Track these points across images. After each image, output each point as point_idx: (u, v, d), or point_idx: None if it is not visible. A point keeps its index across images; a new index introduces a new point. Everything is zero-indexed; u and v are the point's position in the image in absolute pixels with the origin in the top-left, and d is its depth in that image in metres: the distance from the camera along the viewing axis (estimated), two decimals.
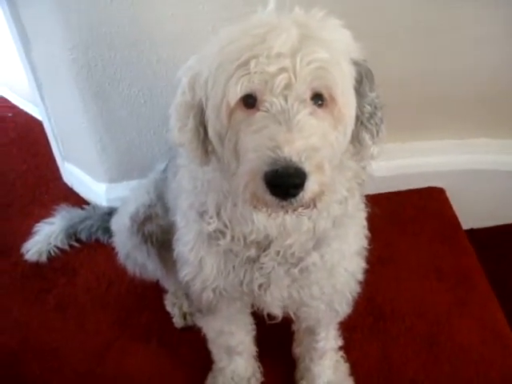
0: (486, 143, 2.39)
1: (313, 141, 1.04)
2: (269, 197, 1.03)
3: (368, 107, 1.20)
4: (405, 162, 2.36)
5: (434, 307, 2.06)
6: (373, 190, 1.46)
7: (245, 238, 1.31)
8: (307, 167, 1.01)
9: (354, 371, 1.87)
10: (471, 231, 2.45)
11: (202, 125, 1.19)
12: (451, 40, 2.07)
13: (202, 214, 1.34)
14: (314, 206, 1.09)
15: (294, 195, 1.03)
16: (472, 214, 2.44)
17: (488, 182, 2.41)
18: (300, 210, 1.10)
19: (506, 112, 2.31)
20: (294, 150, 1.00)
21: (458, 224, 2.35)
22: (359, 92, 1.18)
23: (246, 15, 1.15)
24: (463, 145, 2.38)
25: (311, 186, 1.03)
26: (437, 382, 1.85)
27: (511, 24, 2.03)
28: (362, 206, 1.44)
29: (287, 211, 1.12)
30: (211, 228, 1.32)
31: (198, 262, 1.42)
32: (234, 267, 1.39)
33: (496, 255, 2.43)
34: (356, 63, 1.16)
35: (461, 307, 2.06)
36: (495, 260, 2.37)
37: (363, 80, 1.18)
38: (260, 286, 1.40)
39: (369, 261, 1.53)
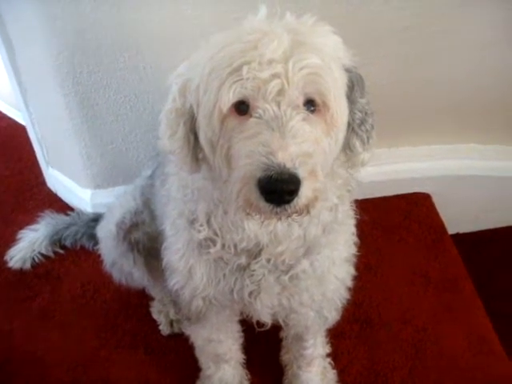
0: (471, 149, 2.40)
1: (306, 147, 1.03)
2: (263, 203, 1.02)
3: (359, 114, 1.20)
4: (391, 167, 2.36)
5: (420, 313, 2.06)
6: (359, 196, 1.45)
7: (235, 246, 1.30)
8: (301, 173, 1.00)
9: (342, 378, 1.87)
10: (457, 236, 2.46)
11: (192, 132, 1.18)
12: (439, 47, 2.08)
13: (192, 222, 1.33)
14: (308, 212, 1.08)
15: (289, 201, 1.02)
16: (458, 218, 2.45)
17: (474, 187, 2.42)
18: (294, 216, 1.09)
19: (492, 118, 2.32)
20: (288, 156, 0.99)
21: (444, 229, 2.36)
22: (350, 98, 1.18)
23: (238, 22, 1.14)
24: (449, 150, 2.39)
25: (305, 192, 1.02)
26: None
27: (505, 30, 2.05)
28: (352, 213, 1.44)
29: (281, 218, 1.11)
30: (201, 236, 1.31)
31: (188, 271, 1.41)
32: (224, 275, 1.38)
33: (482, 259, 2.44)
34: (347, 69, 1.16)
35: (447, 313, 2.06)
36: (481, 264, 2.38)
37: (354, 86, 1.18)
38: (250, 293, 1.39)
39: (356, 267, 1.53)
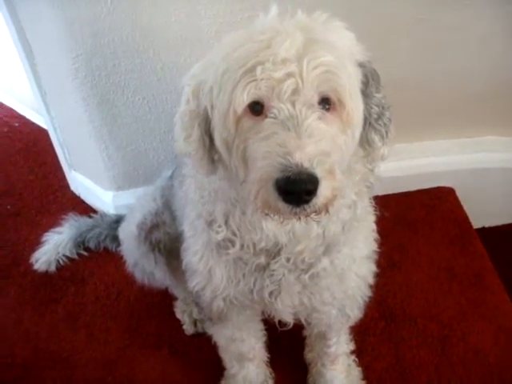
0: (494, 141, 2.36)
1: (323, 146, 1.03)
2: (281, 204, 1.02)
3: (376, 108, 1.19)
4: (413, 162, 2.34)
5: (446, 309, 2.04)
6: (381, 192, 1.45)
7: (254, 246, 1.30)
8: (319, 173, 1.00)
9: (367, 375, 1.86)
10: (483, 230, 2.42)
11: (207, 133, 1.18)
12: (454, 39, 2.05)
13: (210, 224, 1.33)
14: (327, 211, 1.08)
15: (307, 201, 1.01)
16: (483, 212, 2.42)
17: (497, 179, 2.39)
18: (312, 215, 1.08)
19: (510, 110, 2.29)
20: (305, 155, 0.99)
21: (469, 223, 2.32)
22: (366, 93, 1.17)
23: (249, 20, 1.14)
24: (471, 143, 2.36)
25: (324, 192, 1.02)
26: None
27: None
28: (371, 209, 1.43)
29: (300, 218, 1.10)
30: (220, 237, 1.31)
31: (208, 272, 1.41)
32: (243, 275, 1.38)
33: (509, 253, 2.40)
34: (361, 65, 1.15)
35: (473, 308, 2.03)
36: (508, 259, 2.34)
37: (369, 81, 1.17)
38: (271, 293, 1.39)
39: (379, 264, 1.52)
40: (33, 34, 2.07)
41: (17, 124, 3.08)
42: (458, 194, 2.40)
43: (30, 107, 3.09)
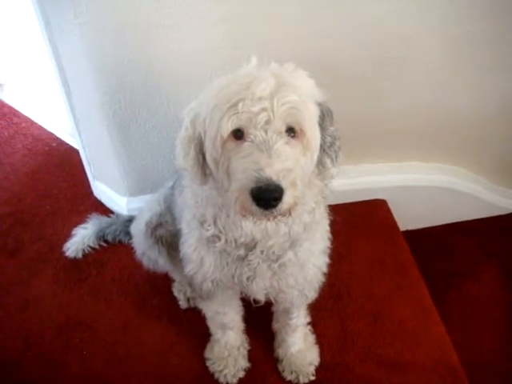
0: (417, 166, 2.37)
1: (287, 164, 1.03)
2: (255, 208, 1.02)
3: (329, 138, 1.19)
4: (356, 180, 2.33)
5: (378, 291, 2.03)
6: (333, 202, 1.44)
7: (236, 241, 1.28)
8: (284, 184, 1.01)
9: (319, 341, 1.84)
10: (407, 232, 2.43)
11: (200, 153, 1.17)
12: (389, 86, 2.05)
13: (202, 223, 1.31)
14: (290, 214, 1.08)
15: (275, 206, 1.02)
16: (407, 219, 2.42)
17: (418, 194, 2.39)
18: (279, 217, 1.08)
19: (432, 141, 2.30)
20: (274, 171, 1.00)
21: (397, 227, 2.32)
22: (322, 126, 1.17)
23: (235, 68, 1.13)
24: (401, 167, 2.36)
25: (287, 199, 1.02)
26: (381, 346, 1.83)
27: (440, 70, 2.03)
28: (326, 214, 1.42)
29: (269, 219, 1.10)
30: (209, 233, 1.30)
31: (200, 260, 1.39)
32: (227, 263, 1.36)
33: (424, 249, 2.41)
34: (319, 104, 1.15)
35: (398, 290, 2.03)
36: (424, 252, 2.35)
37: (325, 117, 1.17)
38: (248, 278, 1.37)
39: (331, 256, 1.51)
40: (71, 76, 2.04)
41: (55, 144, 3.03)
42: (389, 204, 2.40)
43: (65, 131, 3.04)
